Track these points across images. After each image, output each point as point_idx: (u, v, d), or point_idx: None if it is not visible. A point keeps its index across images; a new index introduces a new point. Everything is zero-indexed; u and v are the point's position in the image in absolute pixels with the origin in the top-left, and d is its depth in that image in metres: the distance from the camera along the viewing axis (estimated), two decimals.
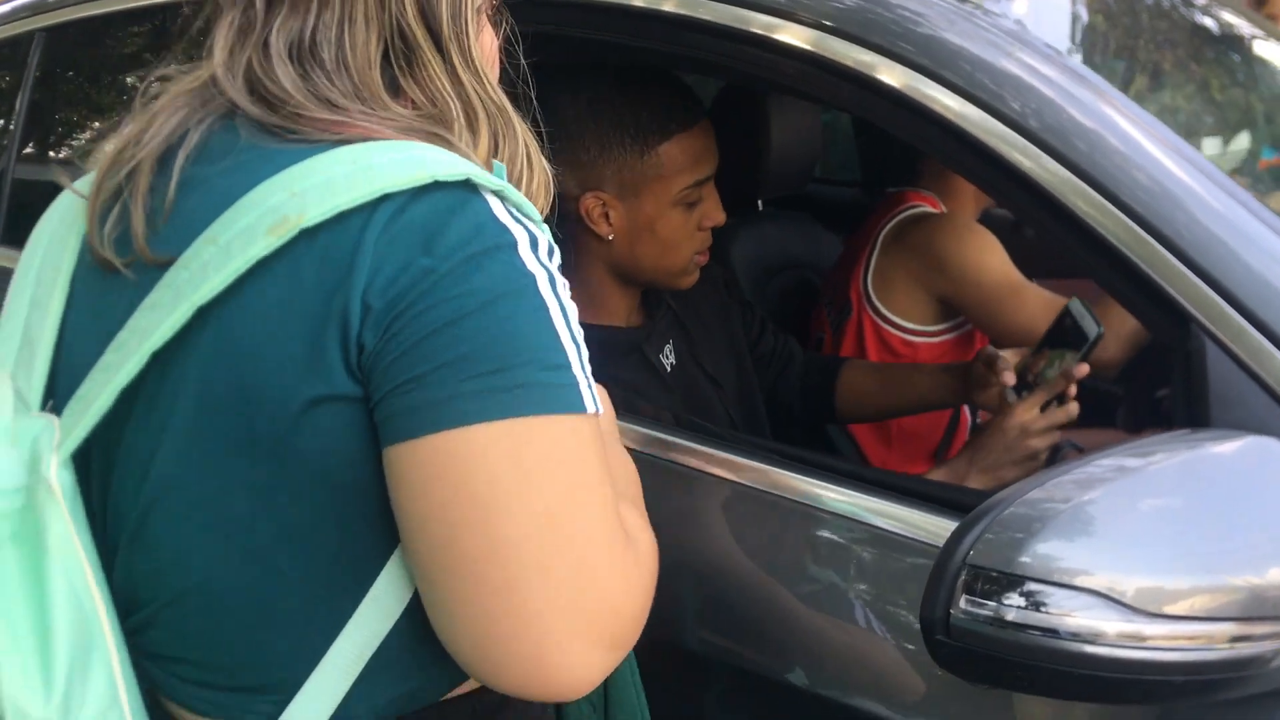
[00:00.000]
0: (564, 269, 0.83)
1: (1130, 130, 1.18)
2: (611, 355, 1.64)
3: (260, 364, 0.77)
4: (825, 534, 1.27)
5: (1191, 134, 1.46)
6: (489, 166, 0.86)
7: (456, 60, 0.87)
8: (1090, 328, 1.62)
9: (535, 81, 1.01)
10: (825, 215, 2.72)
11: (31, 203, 2.22)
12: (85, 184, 0.91)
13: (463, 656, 0.79)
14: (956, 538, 0.95)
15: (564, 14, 1.46)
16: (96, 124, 2.21)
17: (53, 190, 0.96)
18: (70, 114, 2.38)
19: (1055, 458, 1.72)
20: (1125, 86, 1.44)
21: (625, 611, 0.79)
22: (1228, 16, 1.88)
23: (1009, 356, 1.77)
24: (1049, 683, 0.95)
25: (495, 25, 0.96)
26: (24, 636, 0.78)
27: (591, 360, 0.82)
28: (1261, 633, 0.94)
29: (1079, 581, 0.91)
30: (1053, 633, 0.91)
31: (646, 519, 0.94)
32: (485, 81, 0.89)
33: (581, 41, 1.25)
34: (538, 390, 0.75)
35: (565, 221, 1.67)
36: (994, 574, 0.92)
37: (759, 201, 2.61)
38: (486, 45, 0.93)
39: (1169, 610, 0.91)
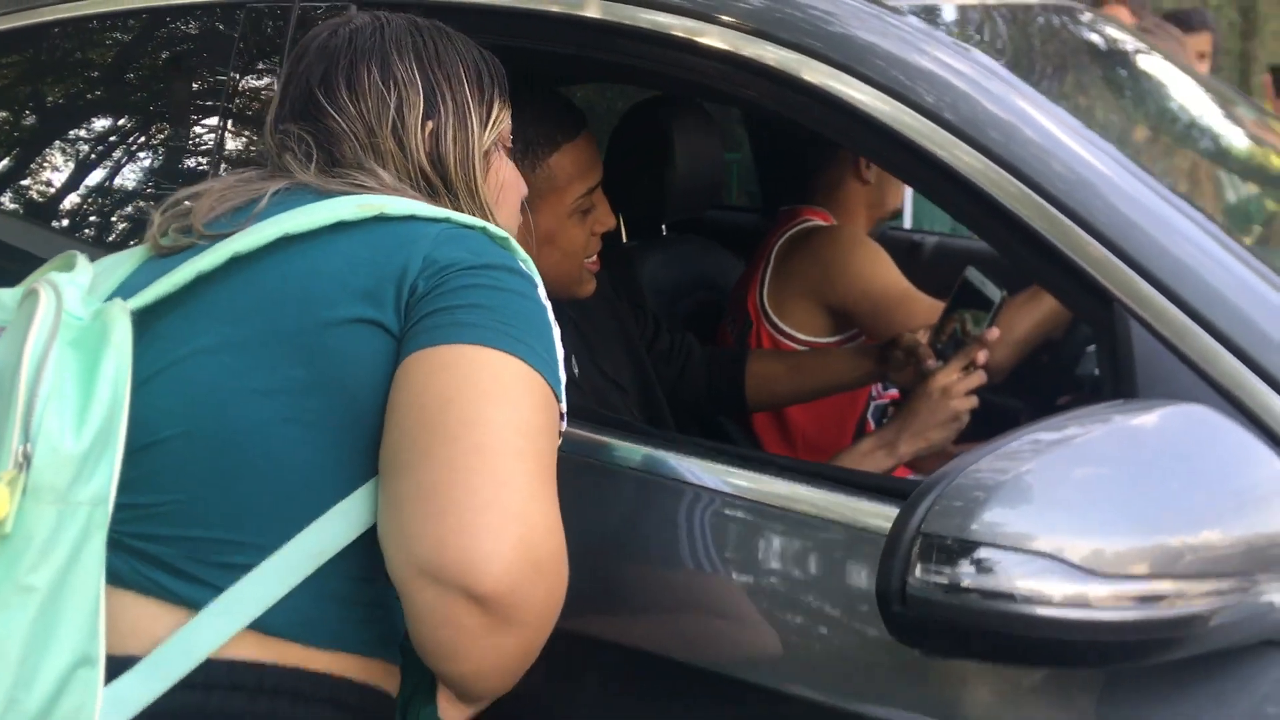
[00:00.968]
0: None
1: (1044, 121, 1.22)
2: None
3: (327, 281, 1.01)
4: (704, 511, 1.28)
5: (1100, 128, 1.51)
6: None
7: (464, 196, 1.14)
8: (993, 292, 1.68)
9: None
10: (728, 240, 2.75)
11: None
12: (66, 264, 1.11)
13: (411, 539, 0.91)
14: (909, 509, 0.96)
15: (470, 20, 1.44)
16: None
17: None
18: None
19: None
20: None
21: (545, 547, 0.92)
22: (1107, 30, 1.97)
23: (920, 335, 1.81)
24: (1005, 649, 0.96)
25: (510, 153, 1.23)
26: (70, 395, 0.94)
27: None
28: (1197, 590, 0.97)
29: (1030, 545, 0.93)
30: (1007, 596, 0.93)
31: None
32: (489, 212, 1.15)
33: (505, 50, 1.25)
34: (534, 357, 0.97)
35: None
36: (948, 541, 0.93)
37: (663, 226, 2.63)
38: (504, 175, 1.21)
39: (1112, 570, 0.94)
